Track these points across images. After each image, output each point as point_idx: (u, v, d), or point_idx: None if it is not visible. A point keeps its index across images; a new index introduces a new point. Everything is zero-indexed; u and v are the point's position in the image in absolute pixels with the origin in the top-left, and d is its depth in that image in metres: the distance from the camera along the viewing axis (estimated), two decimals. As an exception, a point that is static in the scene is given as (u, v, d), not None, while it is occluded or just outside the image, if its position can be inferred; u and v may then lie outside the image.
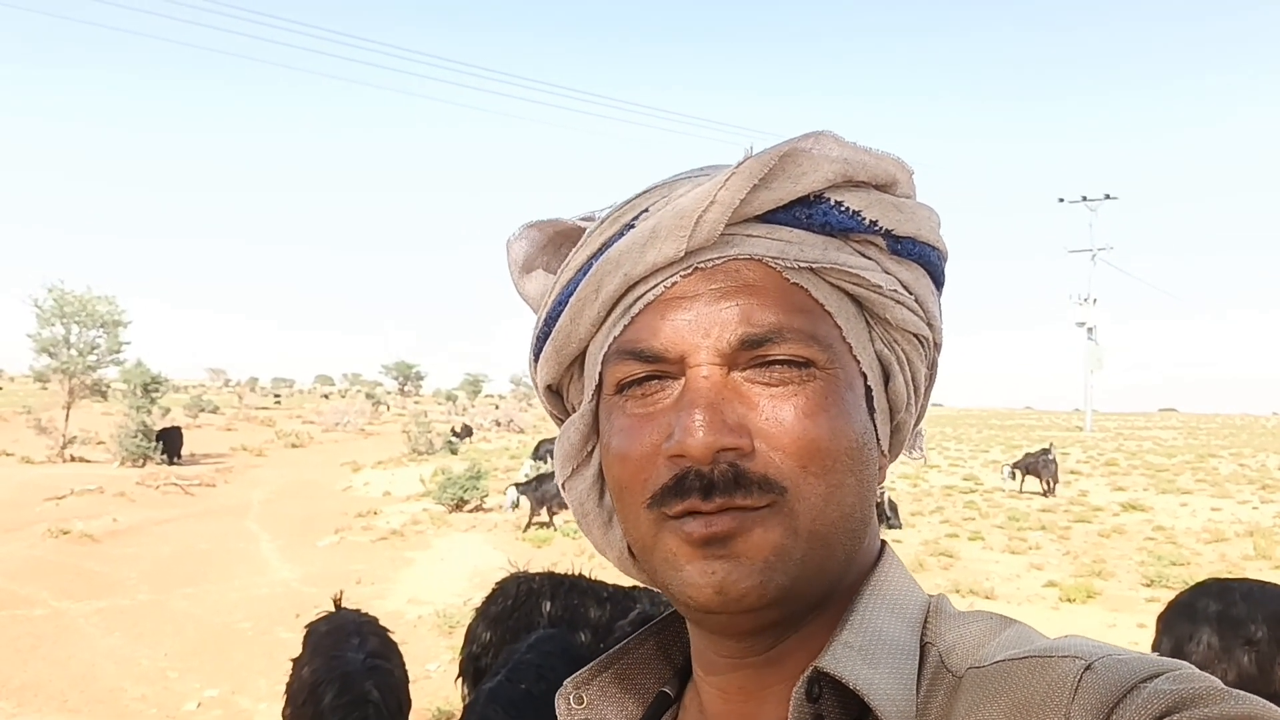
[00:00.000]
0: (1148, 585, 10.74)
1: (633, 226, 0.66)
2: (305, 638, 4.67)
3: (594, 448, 0.71)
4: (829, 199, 0.65)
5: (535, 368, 0.75)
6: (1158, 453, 33.39)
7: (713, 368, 0.61)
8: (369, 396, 61.85)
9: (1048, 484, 19.85)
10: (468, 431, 37.11)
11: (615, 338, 0.66)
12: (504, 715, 3.67)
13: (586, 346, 0.70)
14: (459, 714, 4.70)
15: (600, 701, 0.74)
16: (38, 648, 8.07)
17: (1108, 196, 51.40)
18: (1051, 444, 22.67)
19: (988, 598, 10.17)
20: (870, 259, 0.67)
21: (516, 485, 15.21)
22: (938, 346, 0.74)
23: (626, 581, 5.31)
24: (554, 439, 0.75)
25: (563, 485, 0.74)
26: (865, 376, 0.67)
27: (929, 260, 0.70)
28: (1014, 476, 20.44)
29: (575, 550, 11.75)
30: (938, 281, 0.72)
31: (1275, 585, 5.38)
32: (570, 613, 5.37)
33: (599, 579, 5.97)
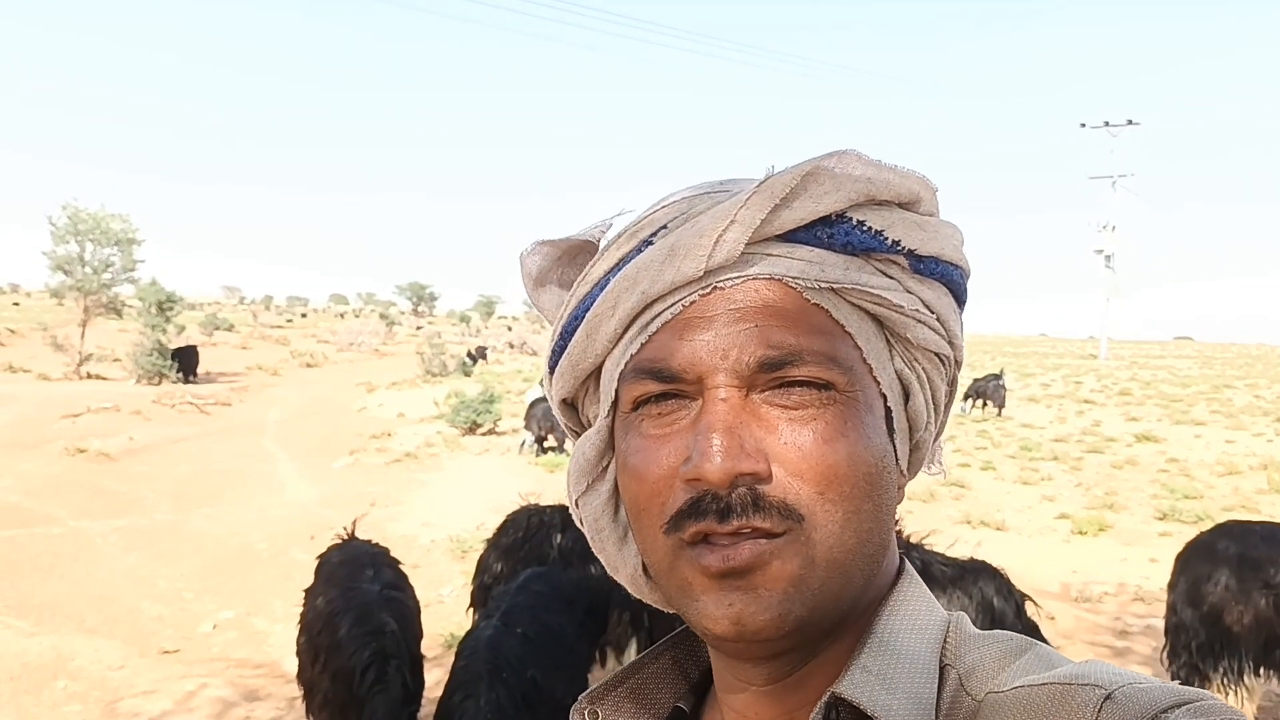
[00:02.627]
0: (1160, 519, 10.73)
1: (650, 243, 0.66)
2: (318, 568, 4.68)
3: (609, 463, 0.71)
4: (851, 218, 0.64)
5: (551, 381, 0.75)
6: (1172, 383, 33.29)
7: (731, 390, 0.61)
8: (383, 317, 62.09)
9: (993, 407, 21.35)
10: (482, 354, 37.22)
11: (632, 355, 0.65)
12: (512, 662, 3.69)
13: (602, 362, 0.69)
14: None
15: (614, 717, 0.74)
16: (56, 566, 8.20)
17: (1130, 122, 50.06)
18: (1003, 370, 23.81)
19: (999, 529, 10.19)
20: (892, 278, 0.67)
21: (527, 425, 14.88)
22: (958, 364, 0.74)
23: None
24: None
25: (576, 502, 0.73)
26: (885, 397, 0.66)
27: (951, 279, 0.70)
28: (964, 403, 21.60)
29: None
30: (960, 299, 0.72)
31: (1296, 527, 5.31)
32: (582, 545, 5.35)
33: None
